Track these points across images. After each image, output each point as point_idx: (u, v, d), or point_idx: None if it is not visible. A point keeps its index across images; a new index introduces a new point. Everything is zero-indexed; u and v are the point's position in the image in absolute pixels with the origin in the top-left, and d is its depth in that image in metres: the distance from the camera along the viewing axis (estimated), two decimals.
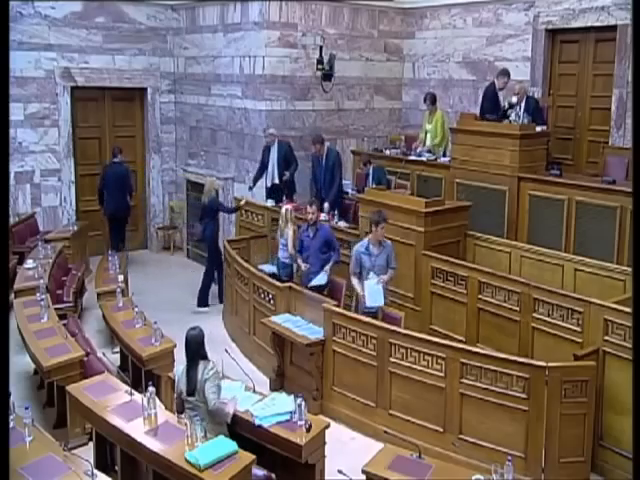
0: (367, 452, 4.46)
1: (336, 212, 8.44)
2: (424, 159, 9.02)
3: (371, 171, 8.73)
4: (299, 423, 4.54)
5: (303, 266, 7.12)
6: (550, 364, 4.96)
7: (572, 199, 7.13)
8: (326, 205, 8.35)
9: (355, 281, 6.39)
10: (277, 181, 9.07)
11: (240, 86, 9.87)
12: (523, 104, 8.07)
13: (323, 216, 8.39)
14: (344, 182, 9.45)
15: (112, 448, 4.83)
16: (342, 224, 8.18)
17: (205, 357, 4.67)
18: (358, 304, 6.54)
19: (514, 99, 8.11)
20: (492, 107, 8.33)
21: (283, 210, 7.68)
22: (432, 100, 9.09)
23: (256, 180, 9.19)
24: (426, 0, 10.26)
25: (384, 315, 6.34)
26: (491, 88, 8.49)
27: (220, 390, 4.64)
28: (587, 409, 5.02)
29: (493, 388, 5.12)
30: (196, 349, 4.64)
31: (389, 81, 10.72)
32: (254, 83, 9.58)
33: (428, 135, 9.18)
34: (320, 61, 9.52)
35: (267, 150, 9.09)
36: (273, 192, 9.09)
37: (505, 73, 8.40)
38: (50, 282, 7.50)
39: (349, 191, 9.13)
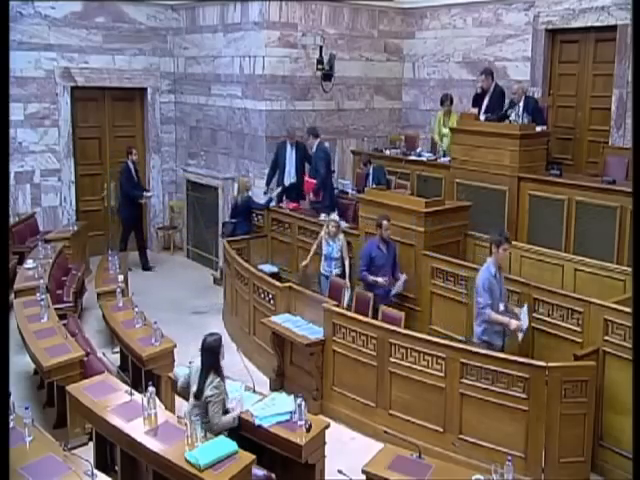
0: (367, 452, 4.47)
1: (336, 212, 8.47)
2: (424, 159, 9.02)
3: (371, 171, 8.74)
4: (299, 423, 4.54)
5: (381, 280, 6.69)
6: (550, 364, 4.96)
7: (572, 199, 7.12)
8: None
9: (495, 314, 5.48)
10: (294, 180, 9.10)
11: (240, 86, 9.87)
12: (522, 104, 8.06)
13: (323, 216, 8.40)
14: (344, 182, 9.50)
15: (112, 448, 4.83)
16: (342, 224, 8.16)
17: (217, 369, 4.62)
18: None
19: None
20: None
21: (331, 220, 7.51)
22: (452, 101, 9.05)
23: (270, 179, 9.23)
24: (426, 0, 10.26)
25: (384, 315, 6.36)
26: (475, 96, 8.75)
27: (224, 406, 4.63)
28: (587, 409, 5.01)
29: (493, 388, 5.12)
30: (208, 358, 4.62)
31: (389, 81, 10.71)
32: (254, 83, 9.58)
33: (445, 139, 9.00)
34: (320, 61, 9.52)
35: (282, 149, 9.10)
36: (289, 192, 9.11)
37: (486, 73, 8.53)
38: (50, 282, 7.49)
39: (349, 191, 9.14)
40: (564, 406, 4.95)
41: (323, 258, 7.54)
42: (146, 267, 10.29)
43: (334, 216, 7.61)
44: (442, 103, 9.07)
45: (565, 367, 5.00)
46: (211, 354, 4.62)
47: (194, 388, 4.64)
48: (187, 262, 10.96)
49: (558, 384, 4.92)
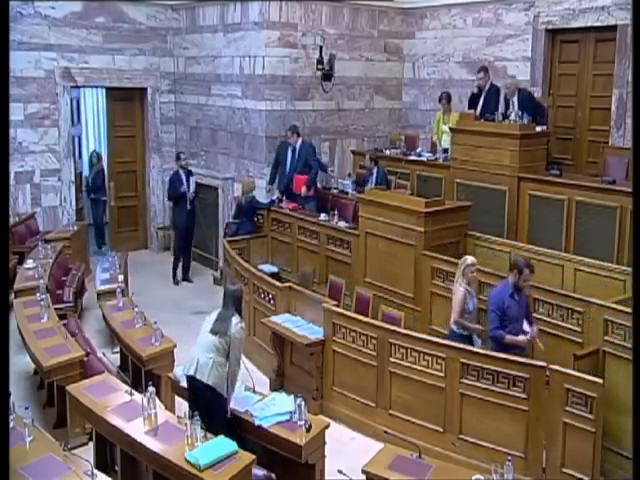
0: (367, 452, 4.47)
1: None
2: (424, 159, 9.02)
3: (375, 171, 8.71)
4: (299, 423, 4.54)
5: (523, 339, 5.45)
6: (552, 366, 4.92)
7: (572, 199, 7.12)
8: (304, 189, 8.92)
9: None
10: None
11: (240, 86, 9.87)
12: (516, 99, 8.06)
13: (323, 216, 8.41)
14: (344, 182, 9.50)
15: (112, 448, 4.83)
16: (342, 224, 8.17)
17: (240, 313, 4.87)
18: None
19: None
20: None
21: (462, 260, 5.93)
22: (448, 99, 9.08)
23: (273, 178, 9.26)
24: (426, 0, 10.26)
25: (384, 315, 6.35)
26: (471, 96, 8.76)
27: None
28: (595, 428, 4.66)
29: (493, 388, 5.12)
30: (233, 302, 4.90)
31: (389, 81, 10.71)
32: (254, 83, 9.58)
33: (445, 136, 8.97)
34: (320, 61, 9.52)
35: (284, 147, 9.11)
36: (289, 192, 9.13)
37: (483, 70, 8.58)
38: (50, 282, 7.49)
39: (349, 191, 9.14)
40: (568, 415, 4.76)
41: (466, 315, 5.78)
42: (185, 278, 9.91)
43: (471, 258, 5.92)
44: (439, 101, 9.14)
45: (569, 375, 4.83)
46: (235, 299, 4.92)
47: (212, 325, 4.82)
48: None
49: (560, 387, 4.85)
